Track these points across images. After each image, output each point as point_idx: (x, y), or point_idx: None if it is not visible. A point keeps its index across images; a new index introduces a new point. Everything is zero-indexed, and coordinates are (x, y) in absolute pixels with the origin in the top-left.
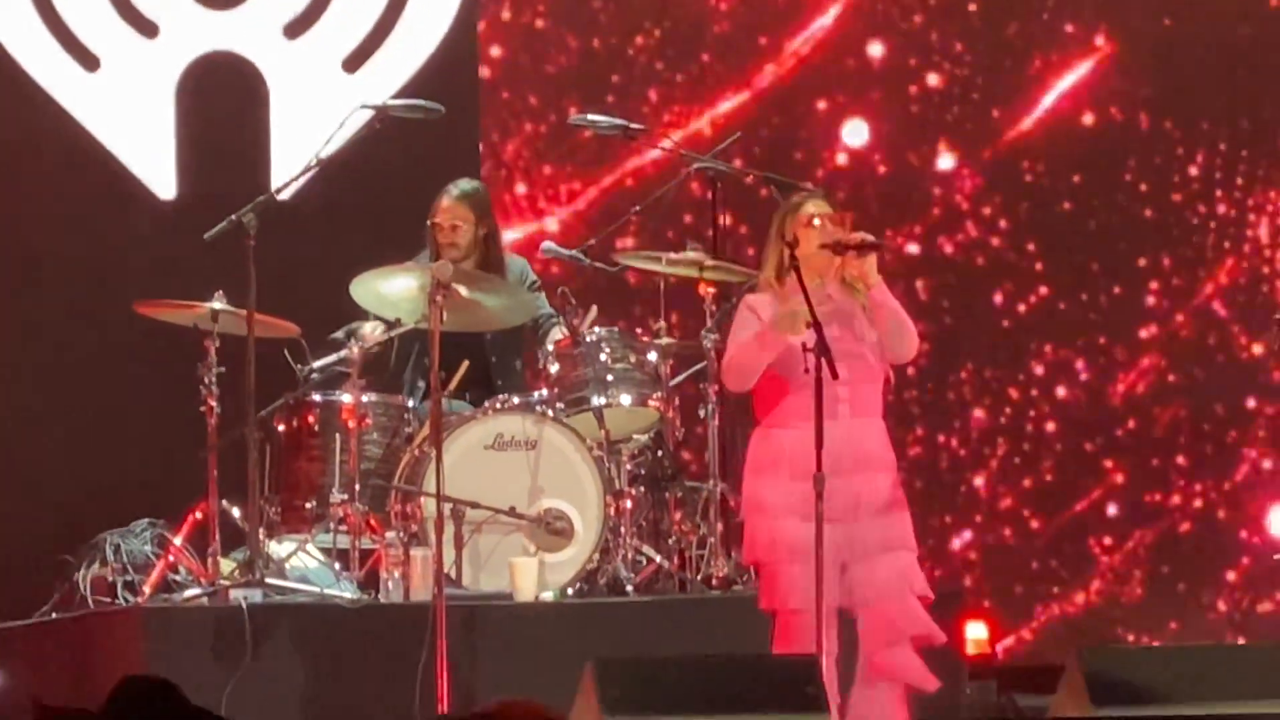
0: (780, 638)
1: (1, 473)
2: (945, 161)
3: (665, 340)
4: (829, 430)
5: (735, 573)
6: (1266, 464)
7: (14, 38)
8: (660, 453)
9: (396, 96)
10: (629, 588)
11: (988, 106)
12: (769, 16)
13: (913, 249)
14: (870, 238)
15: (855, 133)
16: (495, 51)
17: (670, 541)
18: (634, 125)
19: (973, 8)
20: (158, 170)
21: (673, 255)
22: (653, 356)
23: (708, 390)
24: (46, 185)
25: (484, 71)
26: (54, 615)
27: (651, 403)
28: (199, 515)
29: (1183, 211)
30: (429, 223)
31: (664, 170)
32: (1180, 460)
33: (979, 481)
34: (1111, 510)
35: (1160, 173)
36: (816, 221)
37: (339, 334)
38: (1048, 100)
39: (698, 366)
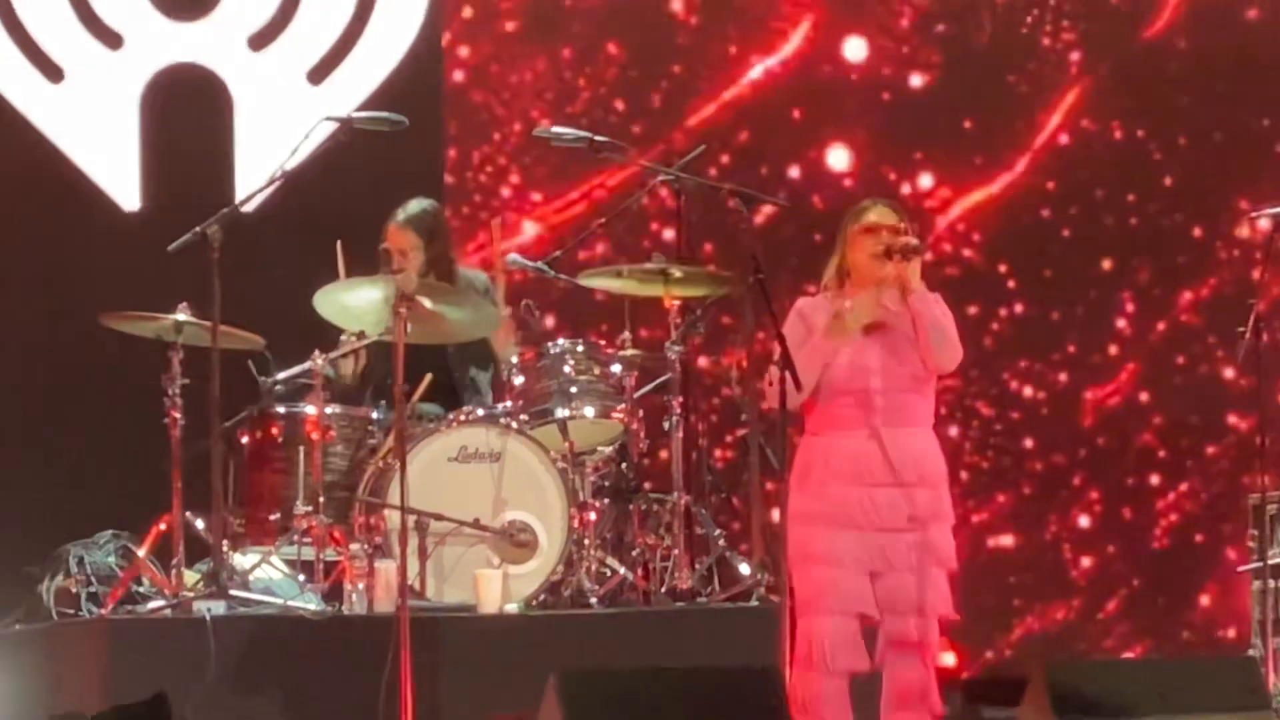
0: (802, 643)
1: None
2: (918, 172)
3: (630, 352)
4: (861, 440)
5: (699, 584)
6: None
7: None
8: (624, 465)
9: (361, 108)
10: (593, 600)
11: (960, 117)
12: (740, 27)
13: None
14: (913, 241)
15: (838, 158)
16: (464, 56)
17: (634, 553)
18: (599, 138)
19: (947, 21)
20: (122, 182)
21: (633, 266)
22: (617, 369)
23: (672, 402)
24: (10, 196)
25: (457, 76)
26: (18, 627)
27: (615, 415)
28: (163, 527)
29: (1159, 223)
30: (384, 251)
31: (634, 181)
32: (1156, 476)
33: (953, 497)
34: (1087, 526)
35: (1136, 184)
36: (887, 246)
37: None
38: (1022, 113)
39: (662, 379)
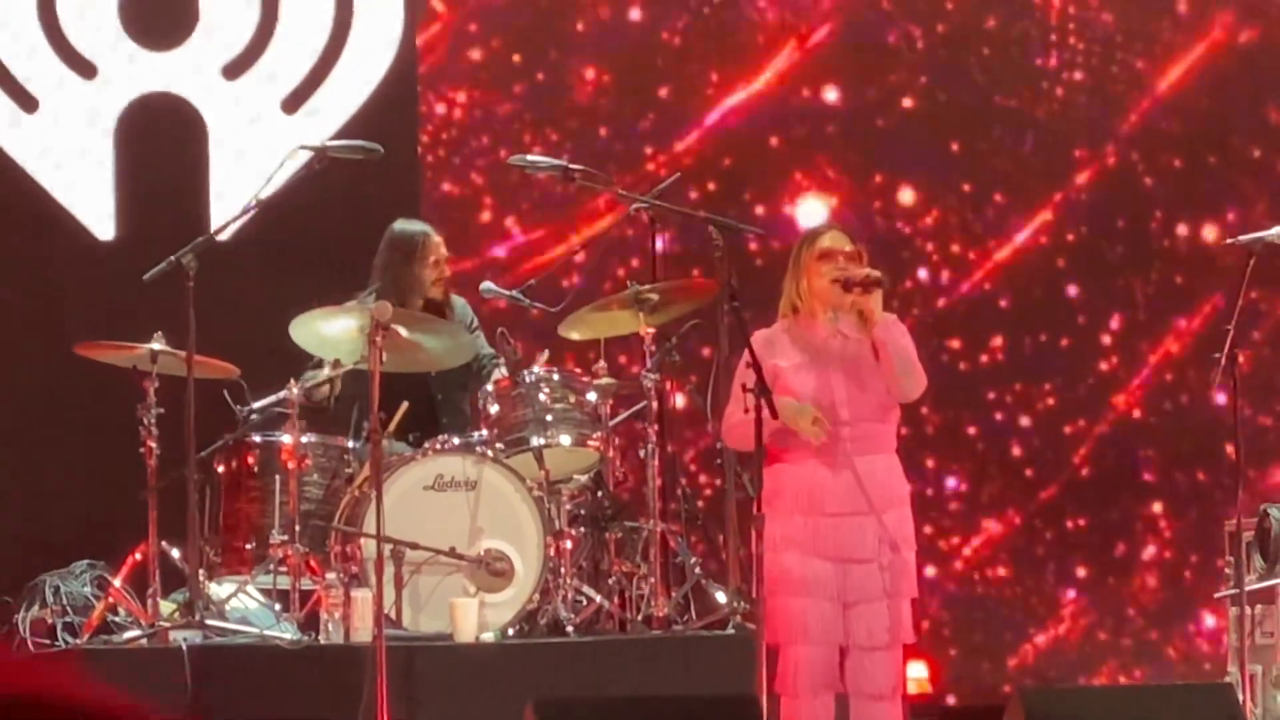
0: (784, 672)
1: None
2: (905, 197)
3: (605, 380)
4: (828, 469)
5: (675, 613)
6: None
7: None
8: (600, 493)
9: (336, 137)
10: (569, 628)
11: (948, 140)
12: (724, 53)
13: None
14: (874, 273)
15: (811, 212)
16: (440, 83)
17: (610, 581)
18: (573, 166)
19: (929, 41)
20: (97, 211)
21: (605, 299)
22: (592, 397)
23: (647, 430)
24: None
25: (433, 104)
26: None
27: (591, 443)
28: (139, 557)
29: (1152, 247)
30: (416, 267)
31: (613, 208)
32: (1148, 504)
33: (941, 527)
34: (1077, 555)
35: (1128, 209)
36: (848, 278)
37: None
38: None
39: (638, 407)
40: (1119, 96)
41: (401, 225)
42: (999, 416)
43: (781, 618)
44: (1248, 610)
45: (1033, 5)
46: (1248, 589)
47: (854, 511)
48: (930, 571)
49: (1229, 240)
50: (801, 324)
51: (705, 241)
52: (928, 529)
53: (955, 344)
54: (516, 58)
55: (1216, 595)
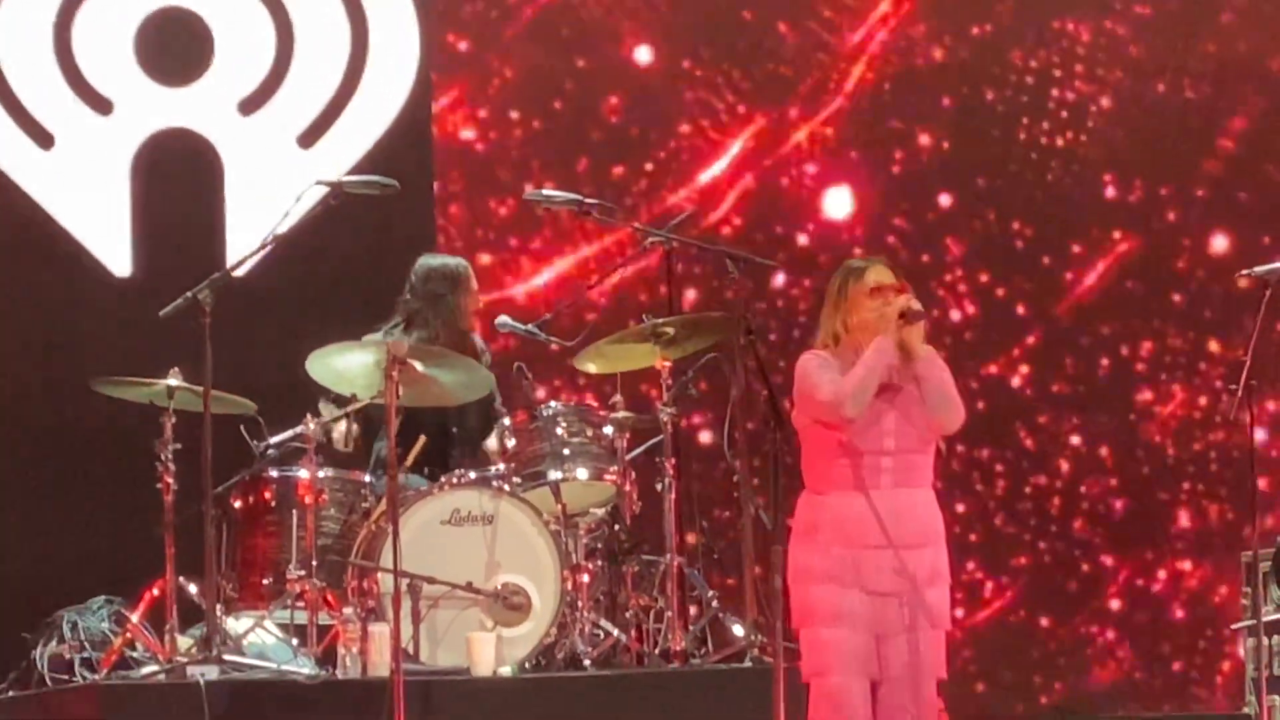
0: (815, 704)
1: None
2: (932, 227)
3: (622, 414)
4: (867, 501)
5: (693, 646)
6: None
7: None
8: (617, 526)
9: (352, 172)
10: (586, 661)
11: (974, 171)
12: (745, 85)
13: None
14: (915, 306)
15: (837, 203)
16: (455, 118)
17: (627, 615)
18: (588, 200)
19: (957, 70)
20: (113, 247)
21: (621, 334)
22: (609, 430)
23: (664, 464)
24: (1, 263)
25: (448, 138)
26: (11, 694)
27: (608, 477)
28: (156, 592)
29: (1181, 280)
30: (461, 297)
31: (634, 242)
32: (1182, 537)
33: (972, 562)
34: (1108, 591)
35: (1157, 240)
36: (901, 311)
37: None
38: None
39: (654, 440)
40: (1147, 127)
41: (440, 259)
42: (1030, 446)
43: (815, 649)
44: (1265, 641)
45: (1060, 35)
46: (1265, 620)
47: (890, 545)
48: (959, 613)
49: (1244, 272)
50: (845, 356)
51: (723, 273)
52: (968, 564)
53: (983, 375)
54: (533, 91)
55: (1233, 627)
